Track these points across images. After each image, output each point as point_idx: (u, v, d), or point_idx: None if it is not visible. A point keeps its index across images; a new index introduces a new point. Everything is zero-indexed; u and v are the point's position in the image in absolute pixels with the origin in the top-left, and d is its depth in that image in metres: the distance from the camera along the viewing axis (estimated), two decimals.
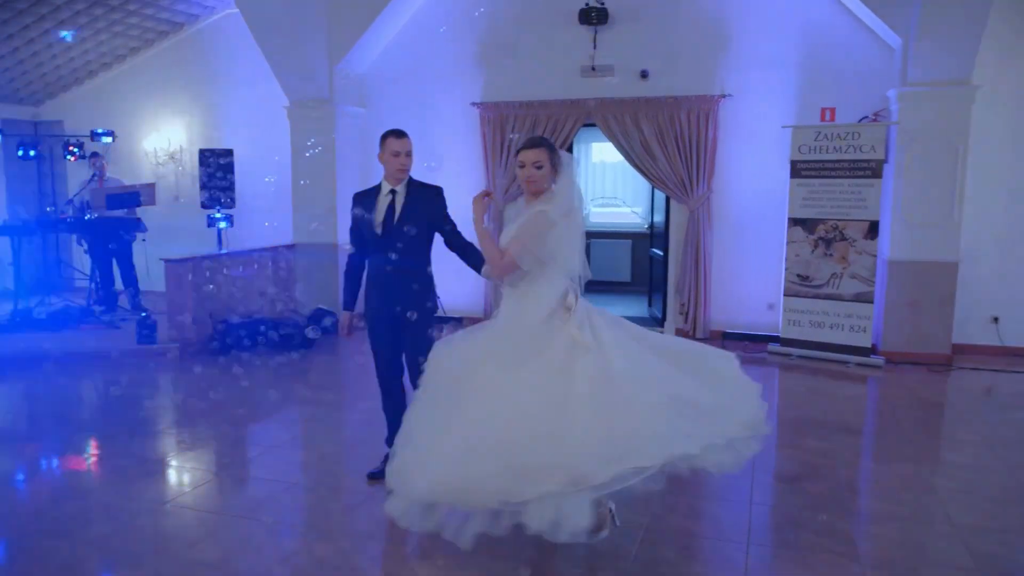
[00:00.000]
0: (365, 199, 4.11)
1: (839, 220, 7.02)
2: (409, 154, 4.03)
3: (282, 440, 5.09)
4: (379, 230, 3.99)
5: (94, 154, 8.96)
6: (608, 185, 11.52)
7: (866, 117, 7.21)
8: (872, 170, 6.86)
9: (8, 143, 9.97)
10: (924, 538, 3.71)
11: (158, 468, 4.54)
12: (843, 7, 7.30)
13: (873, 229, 6.88)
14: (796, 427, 5.30)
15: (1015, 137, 7.06)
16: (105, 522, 3.76)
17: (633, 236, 11.27)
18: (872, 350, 7.02)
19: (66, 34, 8.56)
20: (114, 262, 8.79)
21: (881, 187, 6.86)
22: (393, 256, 3.94)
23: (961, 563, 3.38)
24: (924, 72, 6.70)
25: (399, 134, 4.04)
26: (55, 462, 4.72)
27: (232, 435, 5.16)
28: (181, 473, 4.45)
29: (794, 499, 4.09)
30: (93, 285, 8.40)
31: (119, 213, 8.38)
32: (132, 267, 8.79)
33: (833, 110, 7.25)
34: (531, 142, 3.33)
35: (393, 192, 4.05)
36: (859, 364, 6.93)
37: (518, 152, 3.32)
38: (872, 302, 6.93)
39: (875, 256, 6.90)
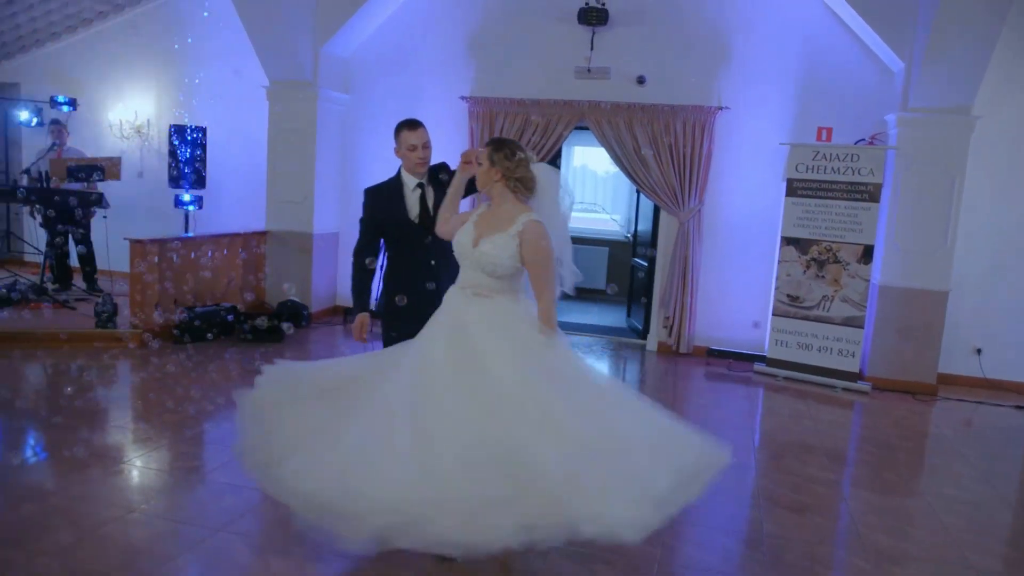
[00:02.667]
0: (387, 196, 3.73)
1: (833, 242, 6.93)
2: (426, 145, 3.70)
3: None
4: (417, 229, 3.68)
5: (54, 121, 8.41)
6: (588, 191, 11.34)
7: (863, 140, 7.14)
8: (869, 193, 6.78)
9: None
10: None
11: (122, 469, 4.15)
12: (846, 27, 7.22)
13: (868, 253, 6.80)
14: (791, 453, 5.15)
15: (1009, 167, 7.05)
16: (67, 529, 3.38)
17: (611, 244, 11.11)
18: (859, 375, 6.94)
19: None
20: (70, 237, 8.27)
21: (879, 211, 6.78)
22: (436, 255, 3.63)
23: None
24: (926, 98, 6.63)
25: (413, 125, 3.69)
26: (9, 458, 4.29)
27: (199, 435, 4.79)
28: (145, 475, 4.07)
29: (805, 532, 3.91)
30: (47, 261, 7.85)
31: (79, 186, 7.87)
32: (90, 243, 8.28)
33: (830, 130, 7.15)
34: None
35: (421, 186, 3.73)
36: (846, 389, 6.84)
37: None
38: (862, 327, 6.85)
39: (868, 280, 6.82)
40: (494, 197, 3.18)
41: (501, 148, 3.12)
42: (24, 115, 9.15)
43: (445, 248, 3.32)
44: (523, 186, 3.10)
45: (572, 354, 3.20)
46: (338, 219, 8.63)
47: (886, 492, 4.55)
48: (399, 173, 3.77)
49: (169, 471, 4.17)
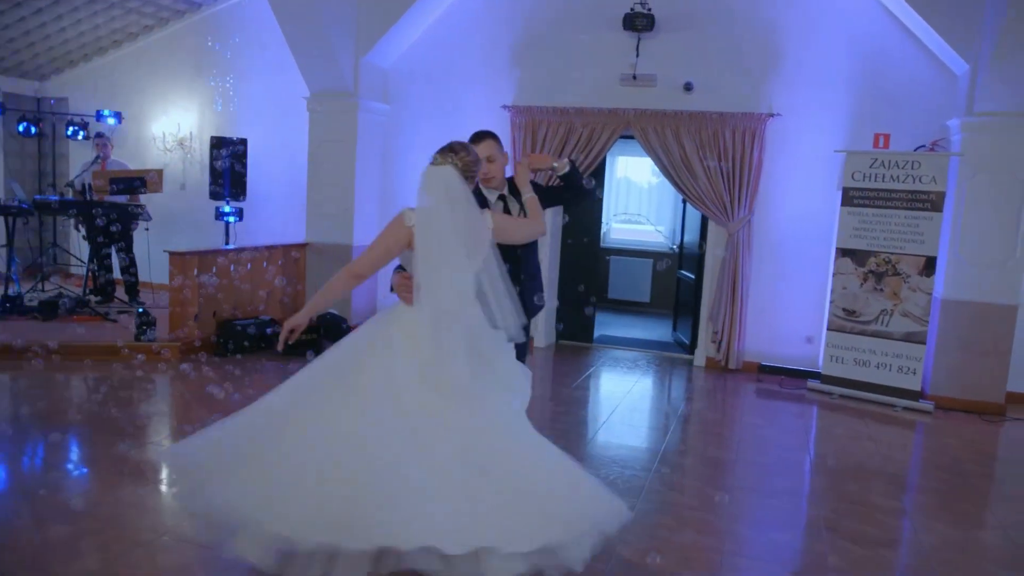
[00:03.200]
0: None
1: (892, 253, 6.60)
2: (491, 159, 3.51)
3: None
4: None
5: (99, 134, 8.47)
6: (633, 202, 11.09)
7: (923, 146, 6.80)
8: (932, 203, 6.44)
9: (9, 118, 9.46)
10: None
11: (152, 488, 4.04)
12: (904, 28, 6.90)
13: (930, 265, 6.45)
14: (852, 477, 4.84)
15: None
16: (94, 555, 3.26)
17: (654, 255, 10.85)
18: (920, 394, 6.58)
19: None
20: (114, 250, 8.30)
21: (941, 221, 6.44)
22: (522, 265, 3.60)
23: None
24: (993, 101, 6.28)
25: (478, 137, 3.53)
26: (38, 475, 4.22)
27: None
28: (176, 500, 3.94)
29: (875, 569, 3.61)
30: (90, 273, 7.87)
31: (124, 199, 7.90)
32: (132, 256, 8.30)
33: (887, 136, 6.83)
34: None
35: (503, 198, 3.59)
36: (907, 408, 6.49)
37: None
38: (924, 343, 6.50)
39: (930, 294, 6.47)
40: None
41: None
42: (71, 129, 9.23)
43: (523, 257, 3.57)
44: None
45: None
46: (378, 230, 8.47)
47: (959, 523, 4.22)
48: (478, 187, 3.51)
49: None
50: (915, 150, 6.73)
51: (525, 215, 3.52)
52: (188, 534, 3.49)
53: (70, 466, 4.35)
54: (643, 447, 5.25)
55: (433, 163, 2.99)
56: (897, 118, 6.96)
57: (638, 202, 11.10)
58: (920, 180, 6.47)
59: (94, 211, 7.41)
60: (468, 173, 3.01)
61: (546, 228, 3.49)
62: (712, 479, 4.70)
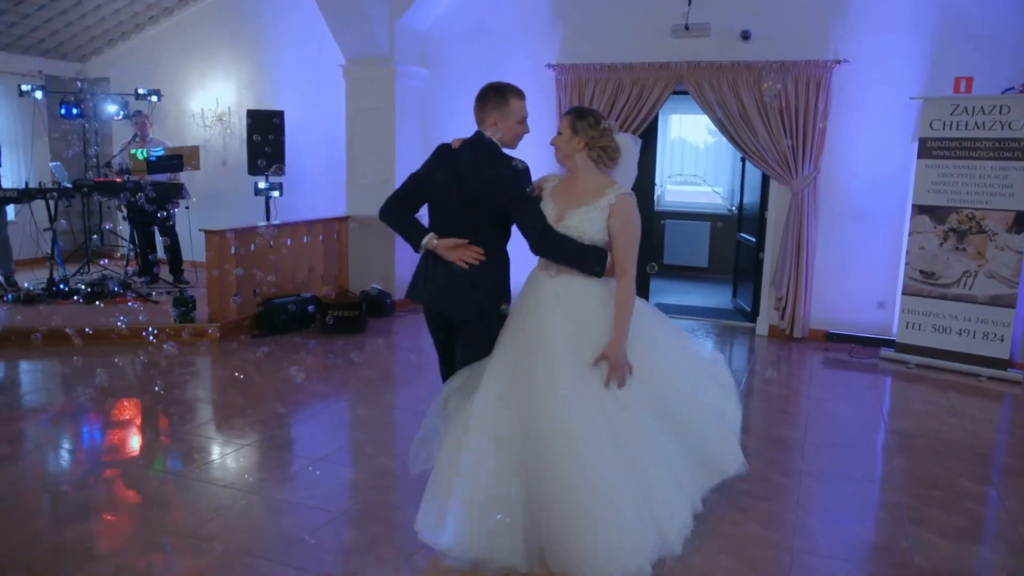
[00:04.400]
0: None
1: (977, 208, 6.00)
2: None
3: (328, 451, 4.35)
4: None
5: (137, 112, 8.35)
6: (688, 163, 10.54)
7: (1011, 88, 6.13)
8: (1023, 151, 5.81)
9: (51, 101, 9.41)
10: None
11: (179, 486, 3.84)
12: None
13: (1020, 221, 5.84)
14: (935, 458, 4.38)
15: None
16: (109, 559, 3.07)
17: (712, 218, 10.31)
18: (1009, 362, 6.01)
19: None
20: (156, 230, 8.20)
21: None
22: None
23: None
24: None
25: (523, 94, 3.21)
26: (61, 468, 4.08)
27: (270, 441, 4.45)
28: (203, 496, 3.73)
29: (971, 568, 3.20)
30: (131, 254, 7.78)
31: (164, 178, 7.76)
32: (175, 235, 8.19)
33: (970, 80, 6.19)
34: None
35: None
36: (993, 378, 5.94)
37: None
38: (1013, 306, 5.91)
39: (1021, 253, 5.86)
40: (574, 168, 3.06)
41: (584, 116, 3.02)
42: (112, 108, 9.14)
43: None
44: (607, 156, 2.99)
45: (648, 342, 3.04)
46: None
47: None
48: (489, 138, 3.13)
49: (226, 485, 3.83)
50: (1002, 93, 6.08)
51: None
52: (213, 533, 3.27)
53: (92, 458, 4.19)
54: None
55: (614, 131, 3.07)
56: (980, 59, 6.29)
57: (693, 163, 10.54)
58: (1009, 126, 5.84)
59: (127, 191, 7.25)
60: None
61: None
62: (778, 463, 4.29)
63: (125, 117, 8.88)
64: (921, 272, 6.26)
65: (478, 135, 3.14)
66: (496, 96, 3.11)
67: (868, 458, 4.52)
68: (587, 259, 2.97)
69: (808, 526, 3.52)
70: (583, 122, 2.99)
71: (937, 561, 3.20)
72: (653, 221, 8.79)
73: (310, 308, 7.04)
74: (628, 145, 3.10)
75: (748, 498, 3.75)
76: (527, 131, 3.19)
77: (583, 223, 2.94)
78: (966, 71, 6.25)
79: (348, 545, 3.23)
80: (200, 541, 3.21)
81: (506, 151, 3.13)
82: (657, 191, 9.94)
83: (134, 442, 4.43)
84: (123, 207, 7.91)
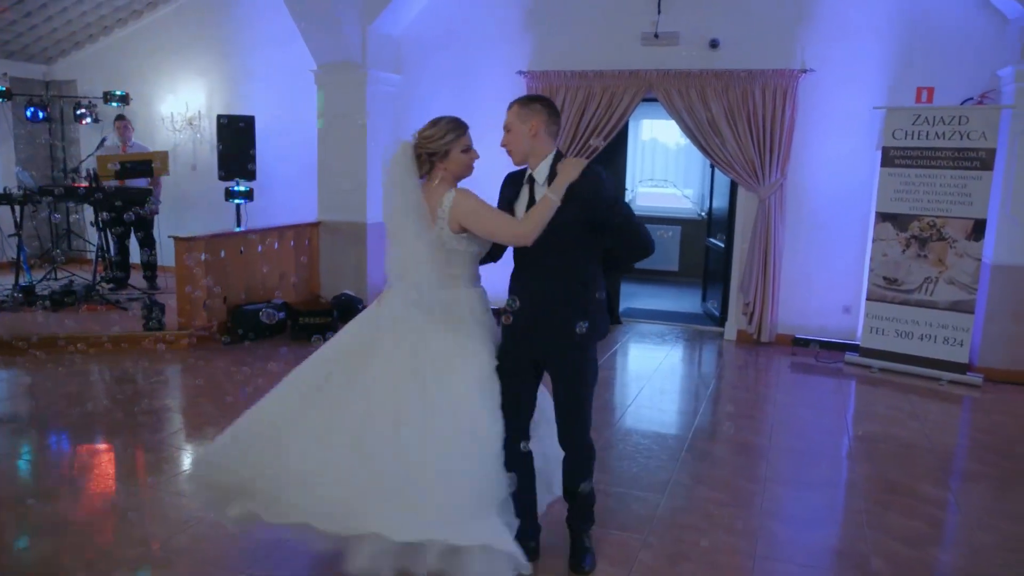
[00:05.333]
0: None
1: (937, 216, 6.14)
2: (506, 127, 2.96)
3: None
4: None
5: (119, 117, 8.26)
6: (659, 166, 10.65)
7: (970, 99, 6.30)
8: (981, 161, 5.95)
9: (17, 103, 9.28)
10: None
11: (147, 494, 3.83)
12: None
13: (979, 229, 5.99)
14: (896, 462, 4.49)
15: None
16: (81, 573, 3.06)
17: (683, 222, 10.42)
18: (968, 366, 6.16)
19: None
20: (134, 236, 8.11)
21: (992, 180, 5.95)
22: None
23: None
24: None
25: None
26: (32, 480, 4.04)
27: None
28: (172, 507, 3.72)
29: (929, 572, 3.29)
30: (100, 261, 7.69)
31: (144, 183, 7.69)
32: (152, 242, 8.12)
33: (931, 90, 6.36)
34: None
35: (531, 180, 2.98)
36: (953, 382, 6.09)
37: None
38: (972, 312, 6.06)
39: (979, 260, 6.01)
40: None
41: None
42: (79, 112, 9.03)
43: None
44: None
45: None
46: None
47: (1018, 516, 3.85)
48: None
49: (194, 496, 3.82)
50: (962, 104, 6.25)
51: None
52: (180, 545, 3.27)
53: (62, 469, 4.16)
54: (670, 433, 4.94)
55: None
56: (942, 70, 6.45)
57: (664, 165, 10.66)
58: (968, 136, 5.98)
59: (96, 196, 7.17)
60: (424, 148, 2.90)
61: (530, 239, 2.77)
62: (744, 469, 4.38)
63: (93, 121, 8.78)
64: (884, 278, 6.40)
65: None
66: (550, 110, 2.97)
67: (831, 464, 4.61)
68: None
69: (772, 532, 3.60)
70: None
71: (896, 565, 3.29)
72: None
73: (281, 314, 7.02)
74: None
75: (713, 505, 3.82)
76: (504, 143, 2.98)
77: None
78: (928, 81, 6.41)
79: (318, 554, 3.24)
80: (169, 554, 3.20)
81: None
82: (628, 195, 10.04)
83: (103, 453, 4.40)
84: (99, 214, 7.75)
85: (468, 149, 2.94)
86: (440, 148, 2.88)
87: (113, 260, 8.00)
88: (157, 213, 8.09)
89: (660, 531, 3.52)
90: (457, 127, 2.92)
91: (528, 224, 2.79)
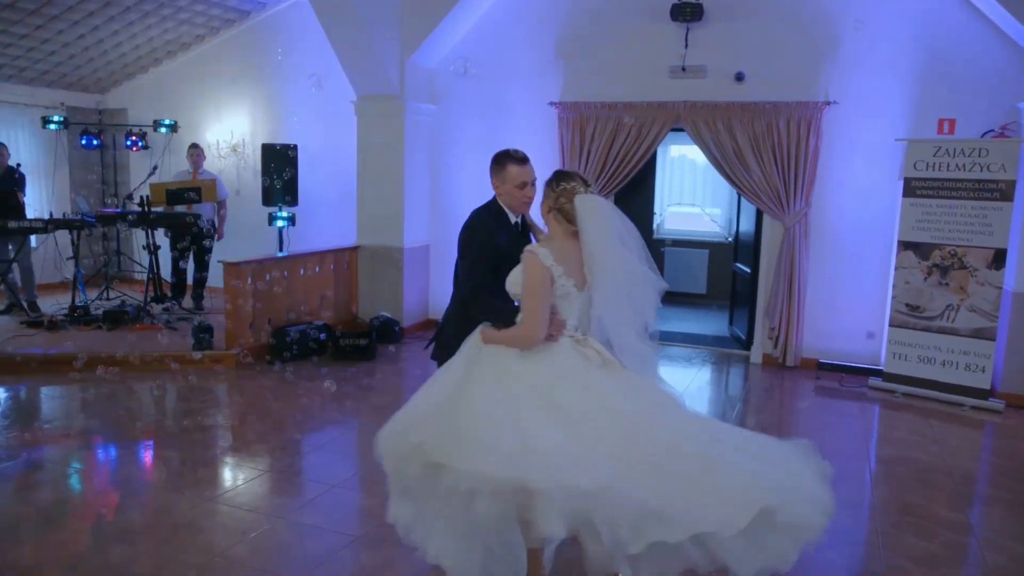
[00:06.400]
0: (497, 223, 3.32)
1: (958, 246, 6.30)
2: (534, 183, 3.30)
3: (344, 478, 4.64)
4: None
5: (193, 145, 8.71)
6: (687, 186, 10.86)
7: (991, 131, 6.46)
8: (1001, 192, 6.12)
9: (72, 131, 9.78)
10: None
11: (207, 506, 4.13)
12: (968, 5, 6.53)
13: (999, 258, 6.15)
14: (915, 486, 4.66)
15: None
16: None
17: (710, 245, 10.62)
18: (990, 392, 6.29)
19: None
20: (191, 258, 8.52)
21: (1012, 211, 6.11)
22: None
23: None
24: None
25: (523, 160, 3.29)
26: (99, 490, 4.36)
27: (286, 467, 4.75)
28: (230, 518, 4.03)
29: None
30: (150, 281, 8.08)
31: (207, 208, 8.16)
32: (204, 267, 8.52)
33: (953, 122, 6.52)
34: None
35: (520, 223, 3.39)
36: (975, 407, 6.22)
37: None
38: (993, 339, 6.21)
39: (1000, 288, 6.16)
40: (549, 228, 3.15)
41: (551, 179, 3.09)
42: (130, 140, 9.49)
43: None
44: (563, 216, 3.03)
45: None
46: (428, 232, 8.56)
47: None
48: (495, 201, 3.34)
49: (253, 509, 4.12)
50: (982, 136, 6.41)
51: None
52: (241, 556, 3.56)
53: (129, 483, 4.48)
54: None
55: (578, 192, 2.99)
56: (962, 102, 6.62)
57: (692, 185, 10.86)
58: (988, 168, 6.15)
59: (152, 221, 7.58)
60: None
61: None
62: None
63: (144, 148, 9.22)
64: (907, 305, 6.56)
65: (492, 199, 3.37)
66: (495, 163, 3.30)
67: (853, 486, 4.77)
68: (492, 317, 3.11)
69: None
70: (547, 186, 3.07)
71: None
72: (653, 248, 9.08)
73: (322, 336, 7.34)
74: (590, 207, 2.96)
75: None
76: (530, 195, 3.28)
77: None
78: (949, 113, 6.57)
79: (366, 565, 3.51)
80: (230, 563, 3.49)
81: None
82: (657, 219, 10.28)
83: (164, 467, 4.72)
84: (153, 236, 8.11)
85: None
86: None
87: (170, 282, 8.40)
88: (222, 237, 8.50)
89: None
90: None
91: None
